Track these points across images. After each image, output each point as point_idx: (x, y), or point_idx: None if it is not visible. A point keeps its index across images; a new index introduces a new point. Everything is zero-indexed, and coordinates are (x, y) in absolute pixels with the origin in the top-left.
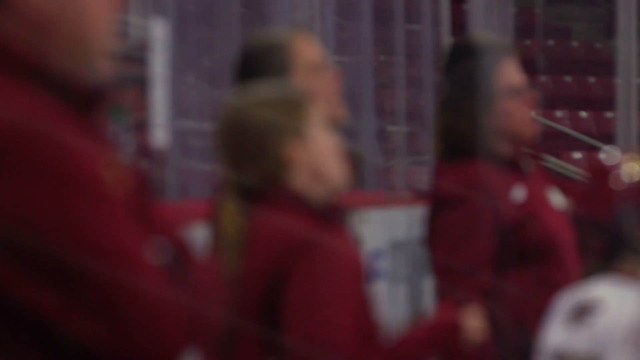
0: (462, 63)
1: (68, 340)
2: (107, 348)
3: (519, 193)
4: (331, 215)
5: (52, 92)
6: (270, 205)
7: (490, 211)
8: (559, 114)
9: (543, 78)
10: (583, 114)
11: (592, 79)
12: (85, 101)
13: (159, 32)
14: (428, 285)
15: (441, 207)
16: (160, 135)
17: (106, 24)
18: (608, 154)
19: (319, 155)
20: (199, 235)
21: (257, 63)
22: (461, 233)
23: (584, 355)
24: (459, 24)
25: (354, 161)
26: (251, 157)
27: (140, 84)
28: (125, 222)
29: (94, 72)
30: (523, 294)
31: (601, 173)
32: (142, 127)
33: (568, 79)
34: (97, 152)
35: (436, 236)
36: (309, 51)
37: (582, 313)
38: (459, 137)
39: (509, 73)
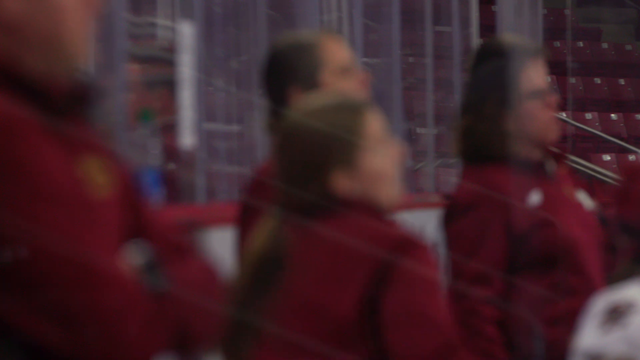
0: (486, 64)
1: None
2: (62, 351)
3: (536, 197)
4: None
5: (23, 95)
6: (335, 217)
7: (502, 216)
8: (588, 116)
9: (573, 80)
10: (613, 115)
11: (622, 81)
12: (60, 104)
13: (186, 35)
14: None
15: (457, 210)
16: (187, 137)
17: (83, 26)
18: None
19: (369, 180)
20: (226, 238)
21: (286, 65)
22: (473, 238)
23: (617, 356)
24: (488, 25)
25: None
26: (306, 173)
27: (168, 86)
28: (88, 225)
29: (70, 74)
30: (537, 299)
31: (633, 175)
32: (169, 129)
33: (598, 80)
34: (65, 155)
35: (451, 241)
36: (338, 53)
37: (615, 314)
38: (480, 139)
39: (533, 75)
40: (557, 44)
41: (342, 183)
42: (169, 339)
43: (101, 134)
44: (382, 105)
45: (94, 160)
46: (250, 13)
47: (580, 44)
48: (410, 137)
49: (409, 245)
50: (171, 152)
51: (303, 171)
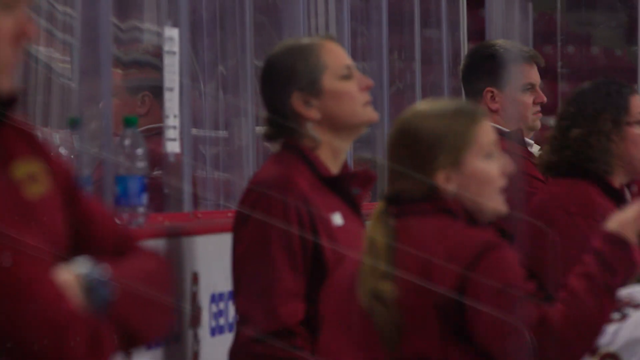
0: (597, 80)
1: None
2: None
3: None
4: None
5: None
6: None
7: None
8: None
9: (563, 85)
10: None
11: None
12: None
13: (172, 39)
14: None
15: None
16: (173, 143)
17: (8, 56)
18: None
19: (476, 183)
20: (212, 244)
21: (287, 70)
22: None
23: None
24: (477, 29)
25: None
26: (414, 168)
27: (154, 91)
28: (23, 226)
29: None
30: None
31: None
32: (155, 135)
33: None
34: None
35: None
36: (339, 57)
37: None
38: (584, 153)
39: (638, 102)
40: (547, 48)
41: (447, 184)
42: (115, 349)
43: (37, 135)
44: None
45: (28, 162)
46: (237, 18)
47: (571, 48)
48: None
49: (489, 250)
50: (156, 158)
51: (411, 167)
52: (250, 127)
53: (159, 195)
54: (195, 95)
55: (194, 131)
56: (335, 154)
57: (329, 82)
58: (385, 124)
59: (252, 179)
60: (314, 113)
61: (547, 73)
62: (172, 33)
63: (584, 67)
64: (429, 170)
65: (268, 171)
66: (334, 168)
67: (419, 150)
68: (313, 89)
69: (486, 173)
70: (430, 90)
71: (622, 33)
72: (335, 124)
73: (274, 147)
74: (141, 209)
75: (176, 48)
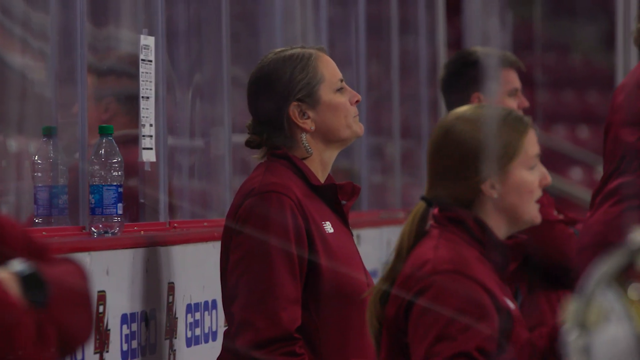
0: None
1: None
2: None
3: None
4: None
5: None
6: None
7: None
8: (558, 129)
9: (541, 93)
10: (582, 130)
11: (592, 94)
12: None
13: (149, 47)
14: None
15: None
16: (149, 152)
17: None
18: None
19: (516, 194)
20: (188, 254)
21: (285, 80)
22: None
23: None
24: (455, 37)
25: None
26: (454, 176)
27: (130, 100)
28: None
29: None
30: None
31: None
32: (130, 144)
33: (567, 94)
34: None
35: None
36: (333, 69)
37: None
38: None
39: None
40: (526, 56)
41: (490, 190)
42: (56, 344)
43: None
44: None
45: None
46: (213, 26)
47: (550, 56)
48: (377, 152)
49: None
50: (132, 167)
51: (455, 174)
52: (227, 136)
53: (135, 205)
54: (172, 103)
55: (170, 140)
56: (324, 165)
57: (325, 94)
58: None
59: (245, 187)
60: (309, 124)
61: (525, 81)
62: (148, 41)
63: (562, 75)
64: (475, 179)
65: (261, 179)
66: (322, 179)
67: (466, 158)
68: (310, 100)
69: (529, 184)
70: (408, 97)
71: (601, 41)
72: (328, 136)
73: (256, 155)
74: (116, 219)
75: (152, 56)
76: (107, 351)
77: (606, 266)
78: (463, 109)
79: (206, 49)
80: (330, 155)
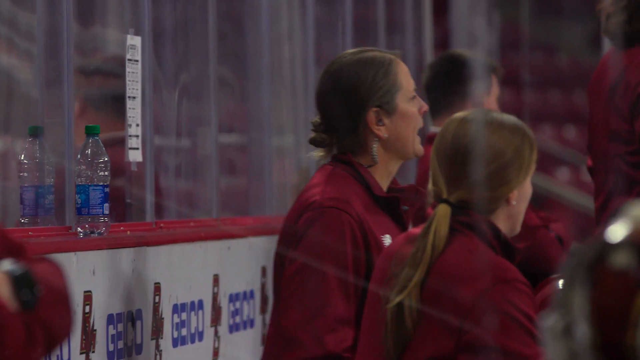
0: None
1: None
2: None
3: None
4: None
5: None
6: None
7: None
8: (544, 129)
9: (528, 93)
10: (569, 129)
11: (578, 94)
12: None
13: (135, 47)
14: None
15: None
16: (136, 152)
17: None
18: None
19: (524, 202)
20: (174, 255)
21: (366, 84)
22: None
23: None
24: (442, 37)
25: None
26: (483, 183)
27: (116, 100)
28: None
29: None
30: None
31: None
32: (117, 144)
33: (554, 93)
34: None
35: None
36: (408, 77)
37: None
38: None
39: None
40: (513, 56)
41: (512, 199)
42: (44, 345)
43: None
44: None
45: None
46: (200, 26)
47: (537, 56)
48: None
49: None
50: (118, 167)
51: (489, 179)
52: (214, 136)
53: (121, 205)
54: (158, 103)
55: (157, 140)
56: (388, 175)
57: (401, 102)
58: None
59: (306, 194)
60: (383, 131)
61: (512, 81)
62: (134, 41)
63: (549, 75)
64: (504, 187)
65: (323, 189)
66: (384, 189)
67: (501, 169)
68: (389, 107)
69: (528, 194)
70: None
71: (588, 41)
72: (397, 146)
73: (318, 153)
74: (103, 219)
75: (139, 56)
76: (93, 351)
77: (580, 255)
78: (489, 116)
79: (193, 48)
80: (395, 166)
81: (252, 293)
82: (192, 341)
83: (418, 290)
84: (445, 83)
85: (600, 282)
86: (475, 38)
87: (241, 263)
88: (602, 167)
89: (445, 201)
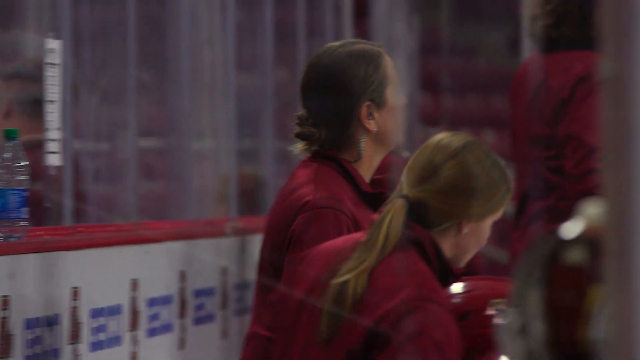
0: None
1: None
2: None
3: None
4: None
5: None
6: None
7: None
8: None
9: (447, 97)
10: (488, 133)
11: (497, 99)
12: None
13: (54, 51)
14: None
15: None
16: (55, 156)
17: None
18: None
19: (475, 241)
20: (93, 259)
21: (358, 78)
22: None
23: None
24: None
25: (255, 184)
26: (446, 201)
27: (35, 103)
28: None
29: None
30: None
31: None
32: (36, 148)
33: (473, 98)
34: None
35: None
36: (393, 69)
37: None
38: None
39: None
40: (433, 60)
41: (465, 228)
42: None
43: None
44: (254, 124)
45: None
46: (120, 29)
47: (456, 60)
48: (283, 157)
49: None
50: (37, 171)
51: (452, 203)
52: (133, 139)
53: (40, 209)
54: (77, 107)
55: (76, 144)
56: (372, 169)
57: (390, 95)
58: (269, 137)
59: (295, 194)
60: (372, 125)
61: (431, 85)
62: (54, 45)
63: (468, 79)
64: (463, 211)
65: (314, 189)
66: (367, 183)
67: (470, 190)
68: (380, 100)
69: (487, 234)
70: None
71: (507, 46)
72: (383, 139)
73: (299, 147)
74: (21, 223)
75: (58, 60)
76: (11, 356)
77: (534, 253)
78: (472, 143)
79: (112, 52)
80: (378, 159)
81: (170, 297)
82: (110, 346)
83: (366, 276)
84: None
85: (554, 279)
86: (396, 42)
87: (160, 267)
88: (522, 171)
89: (404, 197)
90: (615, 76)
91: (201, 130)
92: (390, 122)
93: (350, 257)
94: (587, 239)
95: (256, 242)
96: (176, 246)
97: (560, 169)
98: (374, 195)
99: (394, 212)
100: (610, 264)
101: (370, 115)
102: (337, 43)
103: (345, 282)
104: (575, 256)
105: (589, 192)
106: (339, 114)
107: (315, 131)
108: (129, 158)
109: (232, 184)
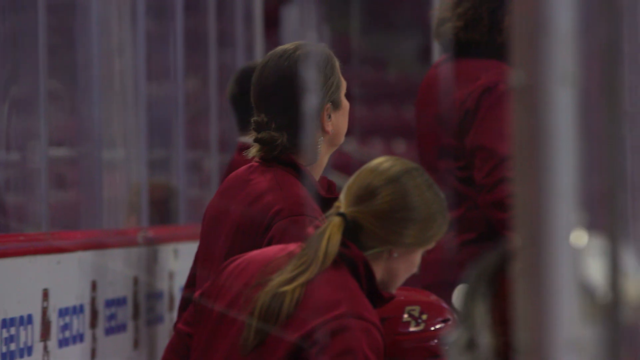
0: None
1: None
2: None
3: None
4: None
5: None
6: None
7: None
8: (374, 143)
9: (359, 107)
10: (399, 143)
11: (408, 108)
12: None
13: None
14: None
15: None
16: None
17: None
18: None
19: (405, 269)
20: (6, 269)
21: (322, 78)
22: None
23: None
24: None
25: (166, 193)
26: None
27: None
28: None
29: None
30: None
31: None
32: None
33: (384, 107)
34: None
35: None
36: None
37: None
38: None
39: None
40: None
41: (394, 254)
42: None
43: None
44: (165, 133)
45: None
46: (29, 38)
47: (366, 70)
48: (194, 166)
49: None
50: None
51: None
52: (43, 149)
53: None
54: None
55: None
56: (321, 172)
57: (342, 96)
58: (180, 147)
59: (262, 201)
60: (330, 127)
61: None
62: None
63: (379, 89)
64: (395, 237)
65: (284, 196)
66: None
67: (405, 219)
68: (337, 102)
69: (415, 268)
70: (226, 111)
71: (417, 55)
72: (335, 140)
73: (253, 152)
74: None
75: None
76: None
77: (482, 265)
78: (414, 173)
79: (22, 61)
80: (326, 161)
81: (81, 307)
82: (22, 356)
83: (301, 290)
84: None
85: (500, 291)
86: None
87: (71, 277)
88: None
89: (342, 215)
90: (525, 85)
91: (112, 140)
92: (343, 123)
93: (283, 269)
94: None
95: (167, 252)
96: (87, 256)
97: (469, 180)
98: (329, 200)
99: (332, 229)
100: (520, 272)
101: (329, 117)
102: (288, 46)
103: (280, 294)
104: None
105: (500, 202)
106: (302, 117)
107: (278, 136)
108: (40, 167)
109: (143, 193)
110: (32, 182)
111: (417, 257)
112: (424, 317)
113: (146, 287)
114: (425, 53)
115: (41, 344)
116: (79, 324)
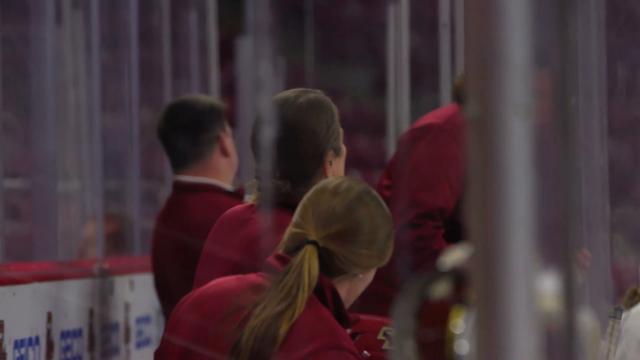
0: None
1: None
2: None
3: None
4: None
5: None
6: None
7: None
8: None
9: None
10: (353, 174)
11: (362, 139)
12: None
13: None
14: None
15: None
16: None
17: None
18: None
19: (363, 286)
20: None
21: (324, 127)
22: None
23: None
24: (228, 81)
25: (120, 224)
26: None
27: None
28: None
29: None
30: None
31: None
32: None
33: None
34: None
35: None
36: None
37: None
38: None
39: None
40: None
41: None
42: None
43: None
44: (119, 165)
45: None
46: None
47: None
48: (148, 197)
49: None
50: None
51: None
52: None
53: None
54: None
55: None
56: None
57: (342, 143)
58: (135, 179)
59: (266, 242)
60: (330, 173)
61: None
62: None
63: None
64: (369, 264)
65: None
66: None
67: (376, 248)
68: (337, 148)
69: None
70: None
71: (372, 87)
72: None
73: (254, 197)
74: None
75: None
76: None
77: (405, 301)
78: (368, 198)
79: None
80: None
81: (37, 339)
82: None
83: (288, 323)
84: (189, 131)
85: (423, 319)
86: (261, 83)
87: (26, 309)
88: None
89: (313, 243)
90: (480, 116)
91: (66, 171)
92: (342, 168)
93: (264, 303)
94: (449, 272)
95: (123, 283)
96: (43, 287)
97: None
98: None
99: (309, 258)
100: (476, 303)
101: (330, 163)
102: (289, 93)
103: (272, 328)
104: (439, 291)
105: (405, 245)
106: (306, 165)
107: (282, 184)
108: None
109: (98, 224)
110: None
111: (373, 273)
112: None
113: (102, 319)
114: (379, 84)
115: None
116: (35, 355)
